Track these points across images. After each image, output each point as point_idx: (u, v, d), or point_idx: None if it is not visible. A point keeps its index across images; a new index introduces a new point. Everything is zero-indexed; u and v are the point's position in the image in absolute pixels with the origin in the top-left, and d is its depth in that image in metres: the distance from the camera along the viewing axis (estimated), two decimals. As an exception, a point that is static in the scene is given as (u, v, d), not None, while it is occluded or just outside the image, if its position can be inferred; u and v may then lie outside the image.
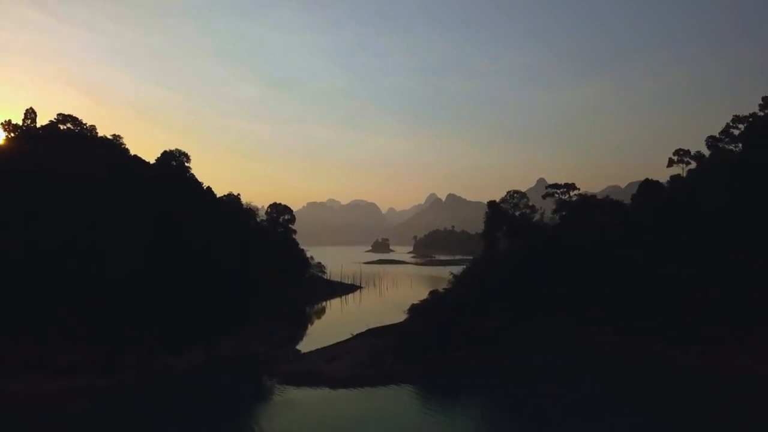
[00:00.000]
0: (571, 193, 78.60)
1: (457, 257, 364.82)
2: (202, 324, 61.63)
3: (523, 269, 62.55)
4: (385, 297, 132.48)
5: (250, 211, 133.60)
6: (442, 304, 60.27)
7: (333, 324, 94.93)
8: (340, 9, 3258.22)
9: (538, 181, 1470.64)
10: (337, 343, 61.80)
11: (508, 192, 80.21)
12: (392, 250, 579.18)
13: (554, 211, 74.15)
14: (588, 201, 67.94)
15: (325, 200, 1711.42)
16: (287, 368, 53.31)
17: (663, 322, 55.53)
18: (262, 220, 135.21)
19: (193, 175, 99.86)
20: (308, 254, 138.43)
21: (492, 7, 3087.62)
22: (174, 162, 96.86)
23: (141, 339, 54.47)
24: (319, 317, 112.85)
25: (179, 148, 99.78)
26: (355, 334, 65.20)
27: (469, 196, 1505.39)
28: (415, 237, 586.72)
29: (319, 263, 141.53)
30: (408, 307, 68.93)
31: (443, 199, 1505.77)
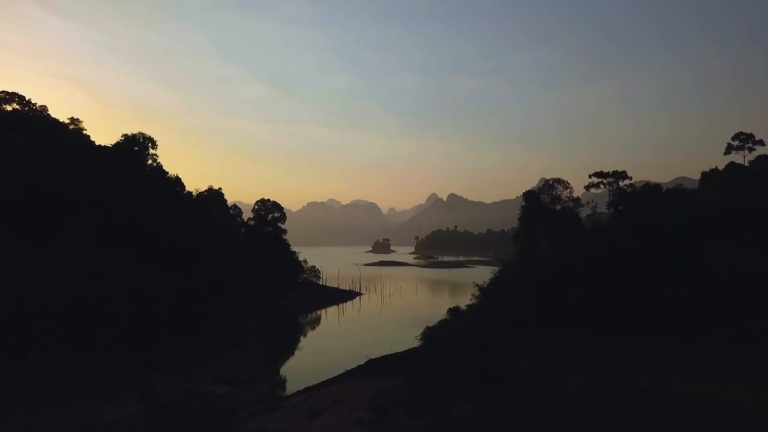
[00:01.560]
0: (621, 183, 63.04)
1: (461, 258, 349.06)
2: (146, 355, 45.80)
3: (576, 282, 46.56)
4: (387, 306, 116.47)
5: (236, 209, 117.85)
6: (468, 329, 44.20)
7: (327, 340, 79.05)
8: (343, 7, 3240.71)
9: (539, 181, 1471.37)
10: (328, 382, 45.83)
11: (546, 180, 64.17)
12: (393, 251, 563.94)
13: (609, 204, 58.11)
14: (652, 191, 51.94)
15: (325, 200, 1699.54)
16: (253, 426, 37.41)
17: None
18: (249, 218, 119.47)
19: (159, 165, 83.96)
20: (301, 257, 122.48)
21: (496, 7, 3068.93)
22: (136, 147, 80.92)
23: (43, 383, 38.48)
24: (313, 328, 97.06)
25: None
26: (349, 368, 49.06)
27: (471, 196, 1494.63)
28: (416, 237, 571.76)
29: (314, 267, 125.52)
30: (414, 319, 54.88)
31: (444, 199, 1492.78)
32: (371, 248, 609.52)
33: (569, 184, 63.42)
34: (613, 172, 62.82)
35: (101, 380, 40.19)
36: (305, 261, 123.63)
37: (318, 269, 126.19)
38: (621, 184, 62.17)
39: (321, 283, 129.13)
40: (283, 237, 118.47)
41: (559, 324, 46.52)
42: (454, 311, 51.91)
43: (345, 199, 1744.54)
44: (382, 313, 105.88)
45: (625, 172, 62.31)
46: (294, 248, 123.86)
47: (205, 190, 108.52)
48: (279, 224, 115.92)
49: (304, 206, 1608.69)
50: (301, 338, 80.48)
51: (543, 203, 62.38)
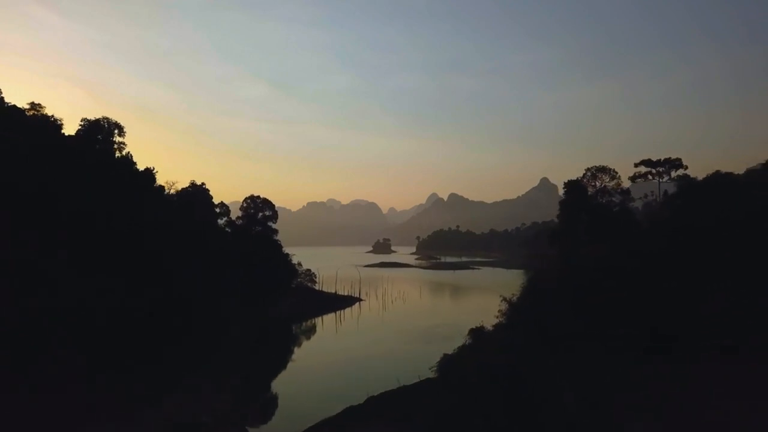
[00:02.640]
0: (674, 174, 52.52)
1: (464, 259, 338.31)
2: (78, 392, 35.02)
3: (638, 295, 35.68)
4: (390, 313, 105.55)
5: (223, 207, 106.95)
6: (497, 365, 33.30)
7: (320, 359, 68.14)
8: (343, 7, 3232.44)
9: (541, 180, 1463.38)
10: (315, 430, 34.93)
11: (589, 169, 53.01)
12: (394, 251, 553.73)
13: (673, 197, 47.21)
14: (724, 180, 41.00)
15: (325, 200, 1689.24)
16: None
17: None
18: (238, 217, 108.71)
19: (129, 156, 73.26)
20: (295, 259, 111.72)
21: (496, 7, 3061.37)
22: (100, 135, 70.08)
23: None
24: (305, 341, 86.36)
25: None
26: (345, 408, 38.06)
27: (472, 196, 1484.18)
28: (418, 237, 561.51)
29: (308, 270, 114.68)
30: (421, 331, 44.73)
31: (445, 198, 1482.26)
32: (371, 248, 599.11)
33: (617, 173, 52.62)
34: (665, 159, 52.34)
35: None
36: (299, 264, 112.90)
37: (313, 273, 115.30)
38: (674, 174, 51.62)
39: (317, 287, 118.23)
40: (275, 238, 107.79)
41: (615, 347, 35.68)
42: (476, 333, 41.02)
43: (345, 199, 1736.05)
44: (384, 323, 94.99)
45: (680, 159, 51.89)
46: (290, 249, 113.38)
47: (189, 186, 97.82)
48: (270, 223, 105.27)
49: (303, 206, 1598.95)
50: (289, 358, 69.59)
51: (588, 196, 51.36)
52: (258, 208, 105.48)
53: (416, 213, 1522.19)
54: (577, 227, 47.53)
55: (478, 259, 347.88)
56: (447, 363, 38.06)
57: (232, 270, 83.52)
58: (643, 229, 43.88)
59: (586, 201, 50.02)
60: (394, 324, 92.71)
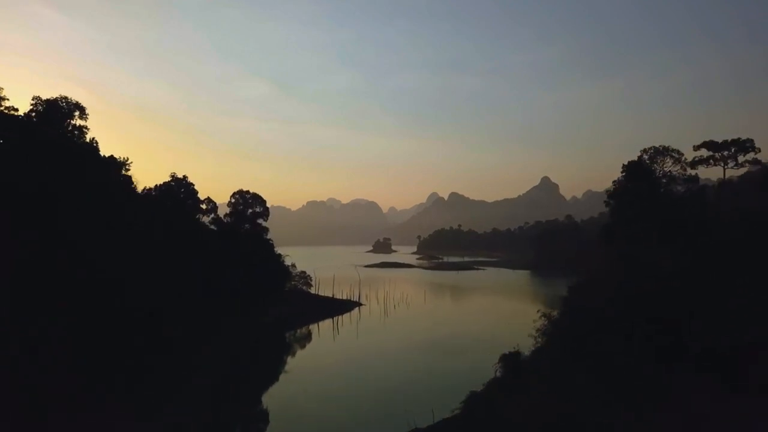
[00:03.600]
0: (741, 158, 43.00)
1: (466, 259, 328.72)
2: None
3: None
4: (392, 320, 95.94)
5: (210, 203, 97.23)
6: (552, 408, 23.66)
7: (314, 372, 58.61)
8: (343, 6, 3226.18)
9: (542, 179, 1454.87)
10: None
11: (646, 150, 43.02)
12: (395, 251, 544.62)
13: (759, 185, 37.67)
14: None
15: (325, 199, 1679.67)
16: None
17: None
18: (226, 215, 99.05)
19: (93, 143, 63.48)
20: (289, 260, 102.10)
21: (497, 7, 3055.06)
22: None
23: None
24: (301, 348, 77.26)
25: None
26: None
27: (472, 195, 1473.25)
28: (419, 237, 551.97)
29: (303, 273, 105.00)
30: (429, 343, 35.59)
31: (445, 198, 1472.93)
32: (372, 248, 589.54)
33: (681, 154, 42.58)
34: (732, 140, 42.75)
35: None
36: (293, 265, 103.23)
37: (309, 275, 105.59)
38: (742, 158, 42.08)
39: (313, 291, 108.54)
40: (267, 237, 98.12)
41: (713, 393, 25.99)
42: (511, 362, 31.36)
43: (345, 198, 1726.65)
44: (387, 331, 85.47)
45: (752, 141, 42.32)
46: (289, 249, 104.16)
47: (171, 180, 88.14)
48: (260, 221, 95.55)
49: (303, 205, 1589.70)
50: (297, 349, 59.99)
51: (654, 179, 41.51)
52: (247, 204, 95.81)
53: (416, 212, 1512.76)
54: (639, 222, 37.76)
55: (480, 259, 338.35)
56: (475, 403, 28.60)
57: (216, 273, 73.94)
58: (726, 222, 34.23)
59: (655, 188, 40.28)
60: (397, 333, 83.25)
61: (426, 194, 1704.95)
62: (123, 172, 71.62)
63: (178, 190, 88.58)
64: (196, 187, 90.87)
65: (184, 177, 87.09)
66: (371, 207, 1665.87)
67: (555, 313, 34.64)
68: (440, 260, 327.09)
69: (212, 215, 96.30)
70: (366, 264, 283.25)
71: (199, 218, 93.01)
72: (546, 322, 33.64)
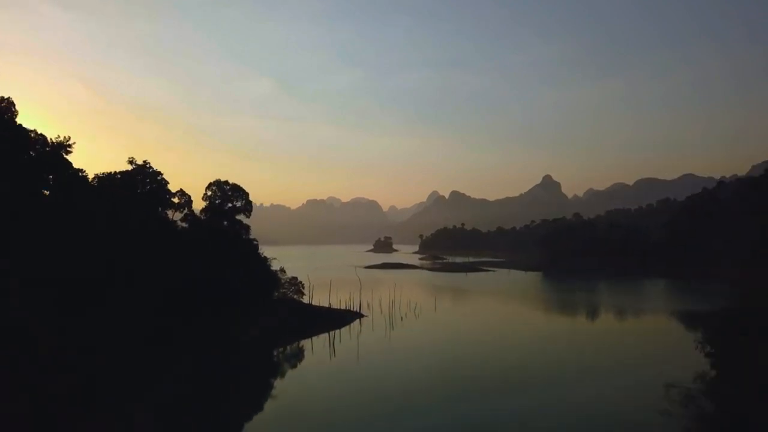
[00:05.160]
0: None
1: (471, 259, 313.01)
2: None
3: None
4: (401, 336, 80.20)
5: (183, 196, 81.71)
6: None
7: (298, 421, 42.64)
8: (343, 4, 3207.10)
9: (543, 178, 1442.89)
10: None
11: None
12: (396, 250, 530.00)
13: None
14: None
15: (325, 198, 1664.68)
16: None
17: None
18: (203, 209, 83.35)
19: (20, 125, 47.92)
20: (276, 264, 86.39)
21: (497, 5, 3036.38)
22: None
23: None
24: (293, 366, 62.27)
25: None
26: None
27: (474, 193, 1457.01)
28: (421, 236, 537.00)
29: (294, 279, 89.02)
30: (455, 375, 28.26)
31: (446, 196, 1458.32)
32: (372, 247, 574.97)
33: None
34: None
35: None
36: (282, 270, 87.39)
37: (300, 282, 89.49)
38: None
39: (306, 300, 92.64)
40: (250, 237, 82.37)
41: None
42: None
43: (345, 197, 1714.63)
44: (395, 351, 69.40)
45: None
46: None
47: (134, 167, 72.64)
48: (242, 216, 79.77)
49: (303, 204, 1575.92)
50: (285, 368, 43.83)
51: None
52: (225, 197, 79.95)
53: (417, 211, 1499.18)
54: None
55: (486, 259, 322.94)
56: None
57: (183, 281, 58.32)
58: None
59: None
60: (408, 355, 67.11)
61: (426, 193, 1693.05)
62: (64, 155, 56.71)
63: (142, 179, 73.12)
64: (166, 177, 75.48)
65: (146, 162, 71.37)
66: (371, 206, 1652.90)
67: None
68: (444, 260, 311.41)
69: (185, 210, 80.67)
70: (367, 265, 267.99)
71: (165, 214, 77.61)
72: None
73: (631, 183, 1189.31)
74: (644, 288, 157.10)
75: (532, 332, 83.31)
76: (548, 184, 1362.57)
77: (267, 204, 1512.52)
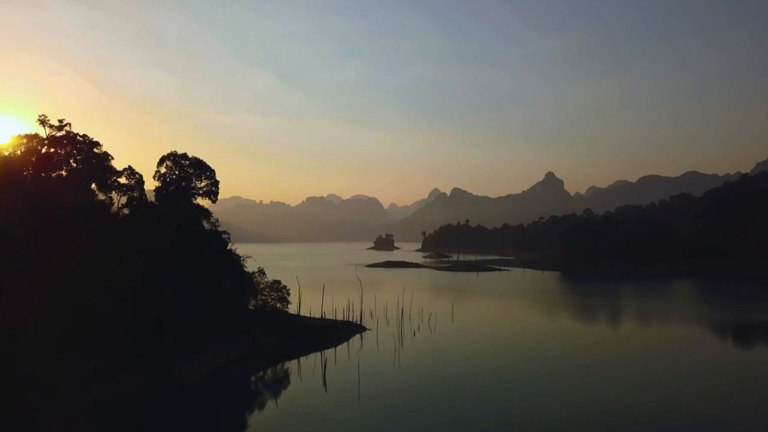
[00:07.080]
0: None
1: (478, 257, 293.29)
2: None
3: None
4: (412, 355, 60.71)
5: (131, 176, 62.63)
6: None
7: None
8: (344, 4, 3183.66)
9: (546, 175, 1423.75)
10: None
11: None
12: (397, 248, 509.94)
13: None
14: None
15: (325, 195, 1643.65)
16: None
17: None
18: (157, 187, 63.79)
19: None
20: (253, 265, 66.83)
21: (499, 2, 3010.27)
22: None
23: None
24: (261, 411, 42.95)
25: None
26: None
27: (476, 190, 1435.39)
28: (423, 233, 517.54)
29: (277, 283, 68.85)
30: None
31: (448, 193, 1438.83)
32: (373, 245, 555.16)
33: None
34: None
35: None
36: (261, 272, 67.60)
37: (286, 287, 69.32)
38: None
39: (291, 310, 72.88)
40: (217, 229, 62.85)
41: None
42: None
43: (345, 194, 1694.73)
44: (411, 394, 49.06)
45: None
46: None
47: (51, 132, 53.11)
48: (202, 200, 60.18)
49: (303, 201, 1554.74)
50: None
51: None
52: (184, 175, 60.08)
53: (418, 208, 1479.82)
54: None
55: (493, 258, 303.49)
56: None
57: (117, 292, 38.73)
58: None
59: None
60: (430, 398, 46.89)
61: (428, 190, 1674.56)
62: None
63: (70, 151, 53.81)
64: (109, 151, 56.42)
65: (64, 123, 51.66)
66: (372, 203, 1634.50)
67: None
68: (450, 259, 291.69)
69: (135, 192, 61.12)
70: (368, 263, 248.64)
71: (109, 198, 58.53)
72: None
73: (633, 180, 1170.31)
74: (690, 291, 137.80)
75: (593, 354, 63.55)
76: (550, 182, 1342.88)
77: (266, 201, 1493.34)
